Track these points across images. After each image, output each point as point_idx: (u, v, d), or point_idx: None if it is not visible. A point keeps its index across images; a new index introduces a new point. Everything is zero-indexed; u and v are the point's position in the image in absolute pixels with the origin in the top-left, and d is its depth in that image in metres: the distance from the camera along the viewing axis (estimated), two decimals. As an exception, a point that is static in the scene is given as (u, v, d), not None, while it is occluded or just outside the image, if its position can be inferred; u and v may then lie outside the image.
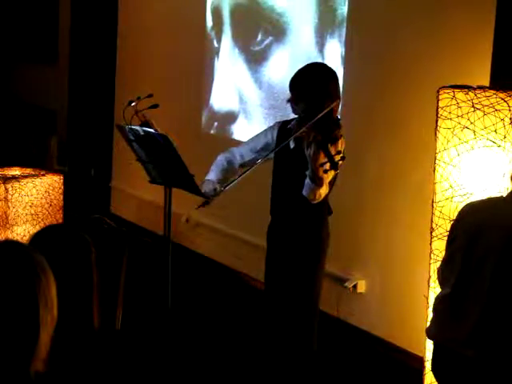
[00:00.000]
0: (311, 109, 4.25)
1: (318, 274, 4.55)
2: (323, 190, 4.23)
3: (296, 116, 4.48)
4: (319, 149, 3.91)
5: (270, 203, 4.65)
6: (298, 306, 4.55)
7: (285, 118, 4.73)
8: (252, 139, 4.77)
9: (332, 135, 3.99)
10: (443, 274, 3.45)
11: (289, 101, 4.48)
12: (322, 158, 3.89)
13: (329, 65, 4.52)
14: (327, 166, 3.84)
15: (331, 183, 4.37)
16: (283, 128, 4.53)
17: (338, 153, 3.87)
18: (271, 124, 4.81)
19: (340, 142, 4.17)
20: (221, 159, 4.70)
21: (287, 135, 4.39)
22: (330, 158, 3.82)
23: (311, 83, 4.36)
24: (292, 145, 4.39)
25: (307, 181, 4.19)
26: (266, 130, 4.72)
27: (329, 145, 3.88)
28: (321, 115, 4.12)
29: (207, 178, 4.62)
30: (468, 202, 3.91)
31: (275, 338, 4.68)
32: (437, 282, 4.26)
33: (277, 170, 4.59)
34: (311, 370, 4.68)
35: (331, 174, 4.16)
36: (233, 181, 4.37)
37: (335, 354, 5.41)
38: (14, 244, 2.03)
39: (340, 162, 3.87)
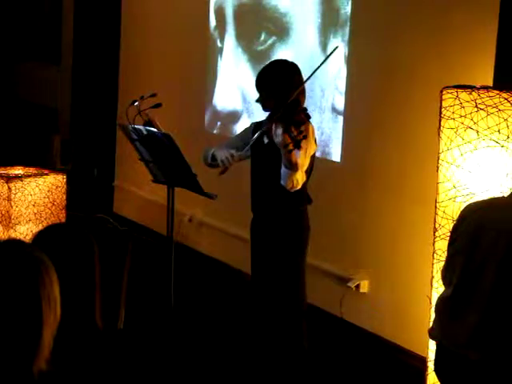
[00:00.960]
0: (280, 104, 4.37)
1: (301, 265, 4.61)
2: (299, 176, 4.34)
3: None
4: (284, 133, 4.08)
5: (250, 199, 4.70)
6: (282, 301, 4.61)
7: None
8: (230, 140, 4.92)
9: (295, 118, 4.17)
10: (445, 276, 3.45)
11: (257, 101, 4.57)
12: (287, 140, 4.08)
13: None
14: (291, 145, 4.06)
15: (308, 172, 4.47)
16: (258, 127, 4.61)
17: (300, 132, 4.06)
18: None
19: (305, 127, 4.26)
20: (212, 148, 4.77)
21: (259, 131, 4.50)
22: (293, 138, 4.02)
23: (276, 80, 4.51)
24: (266, 140, 4.48)
25: (282, 169, 4.30)
26: (243, 131, 4.89)
27: (292, 127, 4.06)
28: (286, 105, 4.27)
29: (215, 149, 4.66)
30: (471, 202, 3.90)
31: (264, 335, 4.72)
32: (440, 282, 4.26)
33: (254, 165, 4.70)
34: (304, 367, 4.70)
35: (305, 159, 4.32)
36: (248, 148, 4.48)
37: (337, 353, 5.41)
38: (17, 243, 2.04)
39: (303, 141, 4.09)
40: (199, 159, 4.83)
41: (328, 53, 5.01)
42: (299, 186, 4.37)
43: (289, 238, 4.57)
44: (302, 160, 4.32)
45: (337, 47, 4.73)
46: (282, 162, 4.27)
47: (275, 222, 4.59)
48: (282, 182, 4.34)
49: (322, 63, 4.49)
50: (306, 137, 4.08)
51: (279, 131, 4.10)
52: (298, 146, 4.05)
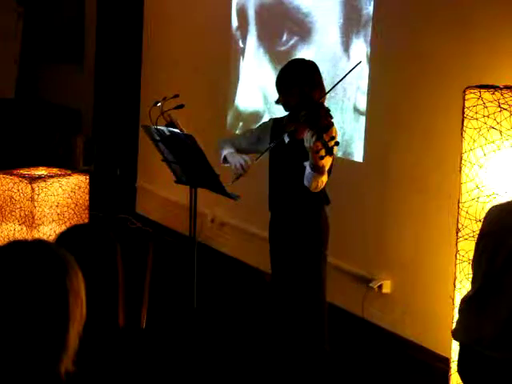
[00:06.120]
0: (301, 103, 4.39)
1: (321, 265, 4.60)
2: (325, 178, 4.35)
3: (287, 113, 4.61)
4: (316, 139, 4.05)
5: (268, 198, 4.71)
6: (303, 301, 4.62)
7: None
8: (245, 135, 4.94)
9: (324, 123, 4.18)
10: (472, 276, 3.44)
11: (277, 102, 4.58)
12: (319, 146, 4.06)
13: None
14: (322, 152, 4.03)
15: (328, 172, 4.47)
16: (277, 124, 4.65)
17: (332, 138, 4.04)
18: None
19: (333, 128, 4.31)
20: (226, 142, 4.81)
21: (281, 131, 4.53)
22: (325, 145, 4.00)
23: (295, 79, 4.50)
24: (287, 139, 4.51)
25: (308, 170, 4.30)
26: (260, 125, 4.92)
27: (323, 134, 4.04)
28: (310, 107, 4.31)
29: (228, 151, 4.69)
30: (494, 202, 3.89)
31: (285, 335, 4.73)
32: (463, 282, 4.26)
33: (273, 164, 4.70)
34: (325, 368, 4.70)
35: (329, 161, 4.33)
36: (262, 153, 4.55)
37: (359, 353, 5.40)
38: (43, 242, 2.05)
39: (335, 148, 4.07)
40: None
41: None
42: (322, 187, 4.39)
43: (308, 239, 4.57)
44: (327, 164, 4.33)
45: (360, 62, 4.75)
46: (308, 163, 4.26)
47: (294, 222, 4.59)
48: (305, 183, 4.34)
49: (344, 77, 4.53)
50: (338, 143, 4.07)
51: (313, 138, 4.07)
52: (330, 153, 4.03)
